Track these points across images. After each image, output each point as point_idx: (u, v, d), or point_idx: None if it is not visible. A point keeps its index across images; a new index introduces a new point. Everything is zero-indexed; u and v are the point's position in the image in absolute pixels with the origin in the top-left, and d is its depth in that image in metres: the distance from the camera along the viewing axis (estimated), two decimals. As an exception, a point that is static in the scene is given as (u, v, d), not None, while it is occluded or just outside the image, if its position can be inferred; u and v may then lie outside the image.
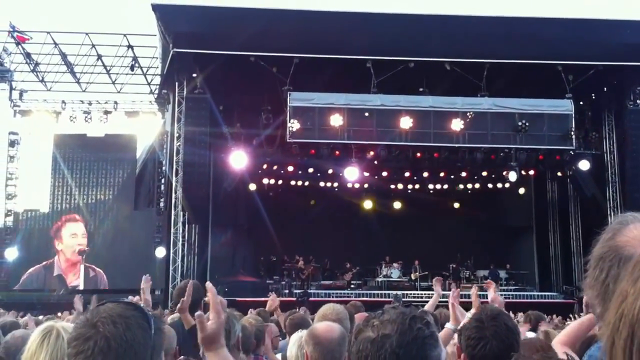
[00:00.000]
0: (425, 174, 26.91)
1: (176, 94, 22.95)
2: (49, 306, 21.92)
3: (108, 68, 26.84)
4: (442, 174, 26.93)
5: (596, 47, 21.51)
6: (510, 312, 13.66)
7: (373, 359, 1.79)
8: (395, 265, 25.61)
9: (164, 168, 26.18)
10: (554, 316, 15.56)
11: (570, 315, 17.61)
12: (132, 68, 26.60)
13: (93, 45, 25.73)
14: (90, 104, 27.80)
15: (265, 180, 26.55)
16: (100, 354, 1.88)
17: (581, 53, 21.44)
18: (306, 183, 27.65)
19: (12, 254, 26.87)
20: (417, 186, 28.53)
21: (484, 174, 26.66)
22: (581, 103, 23.40)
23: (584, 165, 23.31)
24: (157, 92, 27.20)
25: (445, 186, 28.32)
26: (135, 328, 1.93)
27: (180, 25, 20.85)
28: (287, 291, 23.24)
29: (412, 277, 25.41)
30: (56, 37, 25.54)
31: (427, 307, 6.59)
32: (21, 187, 27.82)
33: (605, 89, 24.05)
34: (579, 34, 21.55)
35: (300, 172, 26.05)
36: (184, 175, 22.11)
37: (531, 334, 5.82)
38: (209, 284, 2.60)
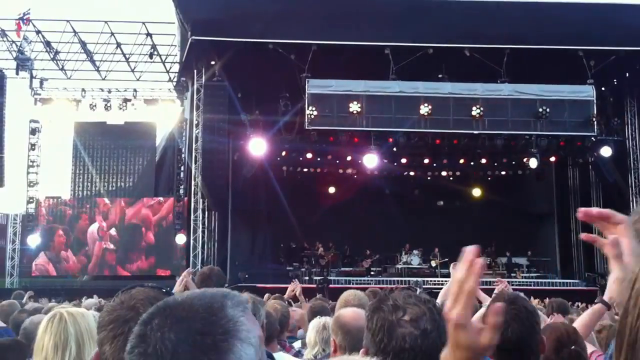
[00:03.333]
0: (445, 161, 26.73)
1: (195, 82, 23.01)
2: (72, 292, 22.17)
3: (127, 56, 26.92)
4: (461, 161, 26.73)
5: (618, 32, 21.20)
6: (531, 297, 13.60)
7: (420, 352, 1.91)
8: (415, 252, 25.53)
9: (183, 155, 26.30)
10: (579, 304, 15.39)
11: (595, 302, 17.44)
12: (150, 56, 26.64)
13: (112, 34, 25.80)
14: (109, 92, 27.93)
15: (284, 167, 26.53)
16: None
17: (603, 38, 21.16)
18: (325, 170, 27.61)
19: (34, 240, 27.16)
20: (436, 173, 28.40)
21: (504, 160, 26.45)
22: (603, 89, 23.13)
23: (606, 151, 23.06)
24: (175, 79, 27.27)
25: (465, 173, 28.14)
26: None
27: (198, 13, 20.85)
28: (307, 278, 23.28)
29: (433, 264, 25.33)
30: (75, 25, 25.64)
31: (443, 292, 6.54)
32: (42, 175, 28.11)
33: (627, 74, 23.75)
34: (600, 18, 21.26)
35: (319, 159, 26.01)
36: (203, 163, 22.18)
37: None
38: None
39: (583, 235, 1.57)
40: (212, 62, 22.02)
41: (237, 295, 1.32)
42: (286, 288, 8.34)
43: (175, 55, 26.25)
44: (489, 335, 1.35)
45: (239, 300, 1.30)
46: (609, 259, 1.37)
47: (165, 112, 28.25)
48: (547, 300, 7.88)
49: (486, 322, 1.36)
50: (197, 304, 1.25)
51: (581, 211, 1.51)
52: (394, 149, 23.94)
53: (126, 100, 27.73)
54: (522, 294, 3.02)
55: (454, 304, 1.35)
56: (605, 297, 3.92)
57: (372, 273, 25.45)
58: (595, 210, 1.49)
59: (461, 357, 1.35)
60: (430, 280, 23.05)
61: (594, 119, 21.79)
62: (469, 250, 1.39)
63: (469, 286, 1.34)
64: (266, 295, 7.27)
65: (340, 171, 27.69)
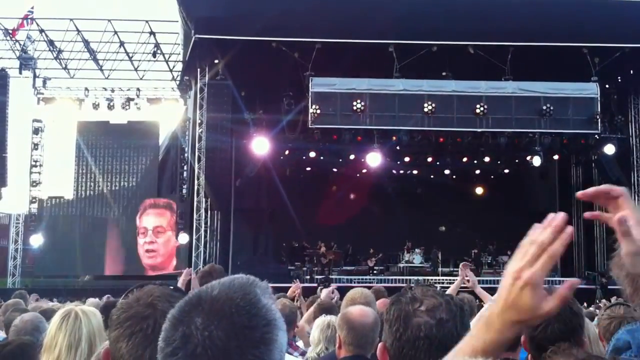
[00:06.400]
0: (448, 159, 26.69)
1: (198, 81, 22.98)
2: (75, 292, 22.16)
3: (130, 55, 26.89)
4: (465, 159, 26.70)
5: (622, 29, 21.13)
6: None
7: (435, 340, 1.93)
8: (417, 250, 25.50)
9: (186, 155, 26.26)
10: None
11: (597, 301, 17.43)
12: (154, 55, 26.63)
13: (115, 32, 25.77)
14: (112, 91, 27.92)
15: (287, 166, 26.50)
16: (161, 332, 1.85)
17: (607, 35, 21.09)
18: (328, 169, 27.57)
19: (37, 240, 27.15)
20: (439, 171, 28.35)
21: (508, 158, 26.39)
22: (607, 86, 23.03)
23: (609, 149, 22.99)
24: (179, 78, 27.24)
25: (468, 171, 28.09)
26: None
27: (201, 11, 20.81)
28: (308, 277, 23.25)
29: (437, 259, 25.28)
30: (79, 24, 25.62)
31: (449, 291, 6.55)
32: (45, 174, 28.09)
33: (631, 71, 23.66)
34: (604, 15, 21.19)
35: (322, 157, 25.97)
36: (206, 162, 22.15)
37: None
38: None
39: (587, 214, 1.56)
40: (216, 61, 22.00)
41: (259, 280, 1.33)
42: (288, 288, 8.35)
43: (179, 54, 26.22)
44: (553, 304, 1.32)
45: (264, 286, 1.32)
46: (617, 235, 1.37)
47: (168, 111, 28.23)
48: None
49: (555, 291, 1.33)
50: (235, 296, 1.24)
51: (579, 194, 1.50)
52: (397, 148, 23.88)
53: (129, 100, 27.71)
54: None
55: (529, 264, 1.32)
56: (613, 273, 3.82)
57: (374, 272, 25.40)
58: (591, 189, 1.46)
59: (510, 318, 1.32)
60: (432, 279, 23.01)
61: (597, 117, 21.70)
62: (559, 217, 1.35)
63: (554, 249, 1.32)
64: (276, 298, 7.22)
65: (344, 170, 27.65)
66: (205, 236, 23.22)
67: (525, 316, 1.32)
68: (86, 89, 27.82)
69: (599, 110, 21.76)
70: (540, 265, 1.32)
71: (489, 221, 27.45)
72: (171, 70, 27.95)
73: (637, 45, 21.13)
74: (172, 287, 2.02)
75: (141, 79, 28.00)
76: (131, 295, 1.97)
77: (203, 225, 23.18)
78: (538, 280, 1.32)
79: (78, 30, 25.64)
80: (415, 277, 22.92)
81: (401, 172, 28.23)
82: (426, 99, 21.19)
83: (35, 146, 27.96)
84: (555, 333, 2.66)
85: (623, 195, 1.39)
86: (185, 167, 26.67)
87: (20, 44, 26.44)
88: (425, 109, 21.14)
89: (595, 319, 5.68)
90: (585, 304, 15.36)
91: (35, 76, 27.76)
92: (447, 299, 2.03)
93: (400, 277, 23.90)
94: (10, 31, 25.70)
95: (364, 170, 26.60)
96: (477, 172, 28.19)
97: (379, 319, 3.28)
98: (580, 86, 21.81)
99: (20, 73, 27.01)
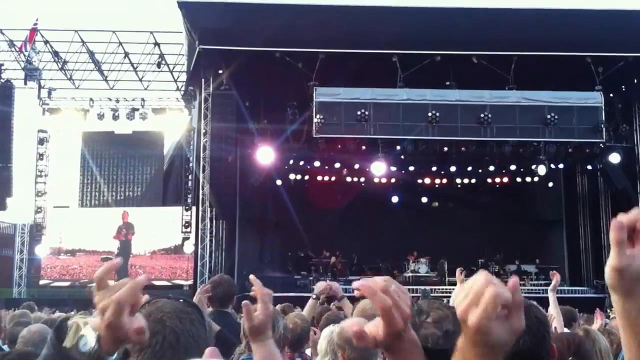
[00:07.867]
0: (453, 168, 26.68)
1: (202, 91, 23.02)
2: (80, 302, 22.16)
3: (135, 65, 27.00)
4: (469, 168, 26.68)
5: (626, 38, 21.13)
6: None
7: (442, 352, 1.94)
8: (422, 260, 25.43)
9: (191, 164, 26.32)
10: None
11: (606, 310, 17.35)
12: (158, 65, 26.72)
13: (120, 43, 25.89)
14: (117, 101, 27.99)
15: (291, 176, 26.52)
16: (169, 349, 1.88)
17: (611, 44, 21.08)
18: (333, 178, 27.58)
19: (42, 250, 27.19)
20: (444, 180, 28.34)
21: (513, 167, 26.37)
22: (611, 95, 23.03)
23: (615, 158, 22.95)
24: (183, 88, 27.32)
25: (473, 180, 28.07)
26: (197, 324, 1.97)
27: (205, 22, 20.90)
28: (313, 287, 23.17)
29: (444, 269, 25.18)
30: (84, 35, 25.75)
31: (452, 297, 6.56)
32: (51, 184, 28.15)
33: (635, 80, 23.66)
34: (608, 25, 21.22)
35: (326, 167, 25.99)
36: (211, 172, 22.18)
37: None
38: (252, 277, 2.54)
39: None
40: (220, 71, 22.04)
41: None
42: (294, 297, 8.35)
43: (183, 64, 26.31)
44: (519, 321, 1.28)
45: None
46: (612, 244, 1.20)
47: (173, 121, 28.30)
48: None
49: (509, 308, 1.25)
50: None
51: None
52: (402, 157, 23.88)
53: (134, 110, 27.79)
54: (534, 303, 2.97)
55: (470, 306, 1.23)
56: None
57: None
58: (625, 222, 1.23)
59: (483, 353, 1.26)
60: (438, 289, 22.96)
61: (602, 126, 21.68)
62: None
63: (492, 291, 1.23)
64: (278, 307, 7.18)
65: (348, 179, 27.66)
66: (211, 245, 23.21)
67: (496, 350, 1.26)
68: (91, 99, 27.92)
69: (604, 119, 21.74)
70: (482, 308, 1.23)
71: (495, 230, 27.42)
72: (176, 81, 28.05)
73: (640, 55, 21.16)
74: (182, 300, 2.05)
75: (146, 89, 28.10)
76: (143, 310, 1.99)
77: (208, 235, 23.18)
78: (484, 326, 1.25)
79: (83, 42, 25.76)
80: (422, 287, 22.84)
81: (405, 181, 28.23)
82: (430, 108, 21.20)
83: (41, 156, 28.05)
84: (527, 345, 2.63)
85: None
86: (190, 177, 26.74)
87: (25, 55, 26.57)
88: (429, 118, 21.16)
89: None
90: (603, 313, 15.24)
91: (40, 87, 27.88)
92: (453, 311, 2.06)
93: (406, 287, 23.67)
94: (18, 45, 25.84)
95: (369, 180, 26.60)
96: (482, 181, 28.16)
97: None
98: (584, 95, 21.78)
99: (26, 84, 27.14)
